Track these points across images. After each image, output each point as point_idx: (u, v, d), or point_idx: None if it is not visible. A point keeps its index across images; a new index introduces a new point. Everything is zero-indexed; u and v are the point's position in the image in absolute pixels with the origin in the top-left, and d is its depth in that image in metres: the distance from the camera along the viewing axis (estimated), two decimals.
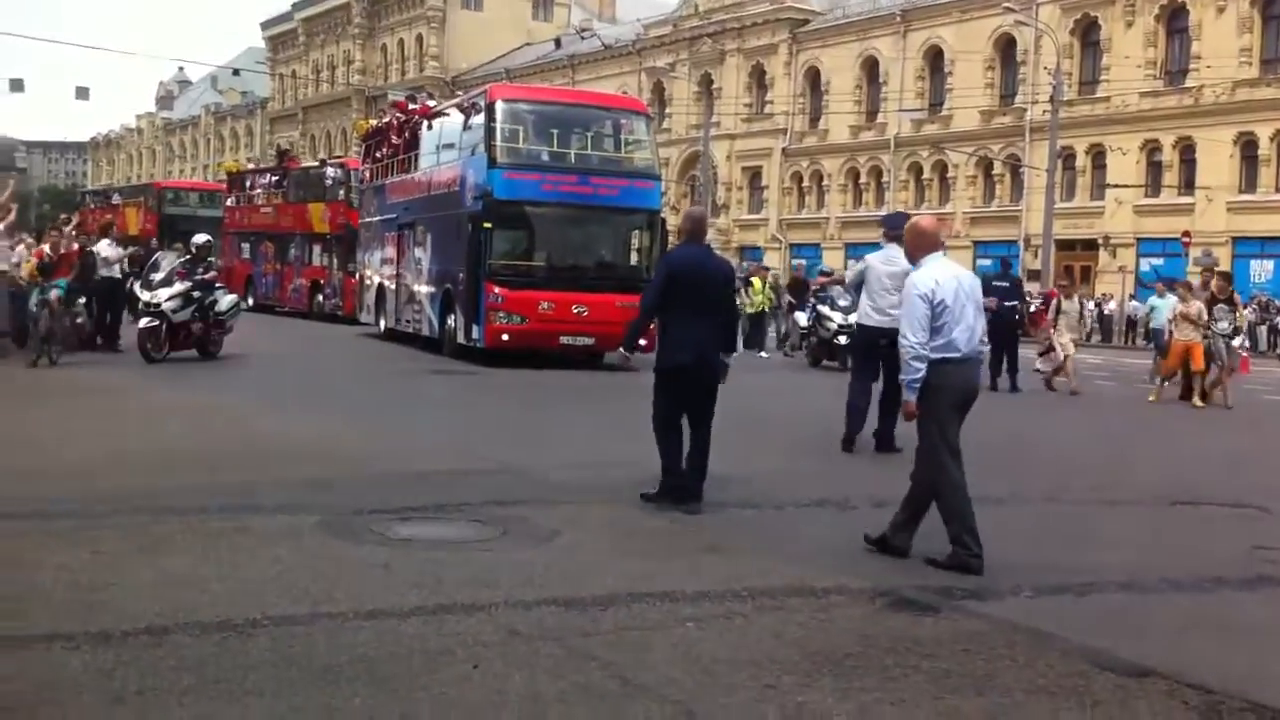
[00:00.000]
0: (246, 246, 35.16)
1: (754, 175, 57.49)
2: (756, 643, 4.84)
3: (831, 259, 47.23)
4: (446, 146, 20.69)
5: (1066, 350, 18.27)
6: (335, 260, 29.64)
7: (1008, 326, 18.00)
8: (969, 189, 48.17)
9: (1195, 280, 19.84)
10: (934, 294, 6.26)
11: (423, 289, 21.13)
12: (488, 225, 17.76)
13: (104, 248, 18.61)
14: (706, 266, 7.91)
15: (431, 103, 25.30)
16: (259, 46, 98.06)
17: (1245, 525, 8.12)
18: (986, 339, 6.95)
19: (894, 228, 10.08)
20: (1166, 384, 17.38)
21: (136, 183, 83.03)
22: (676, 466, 7.69)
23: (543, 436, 11.10)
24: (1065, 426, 14.61)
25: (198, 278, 16.77)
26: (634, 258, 18.87)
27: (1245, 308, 29.41)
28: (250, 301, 32.33)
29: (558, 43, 63.59)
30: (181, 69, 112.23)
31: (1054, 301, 19.32)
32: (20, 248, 17.84)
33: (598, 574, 5.79)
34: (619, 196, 18.48)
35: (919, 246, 6.63)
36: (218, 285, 17.78)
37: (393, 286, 23.18)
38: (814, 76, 54.62)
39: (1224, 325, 17.16)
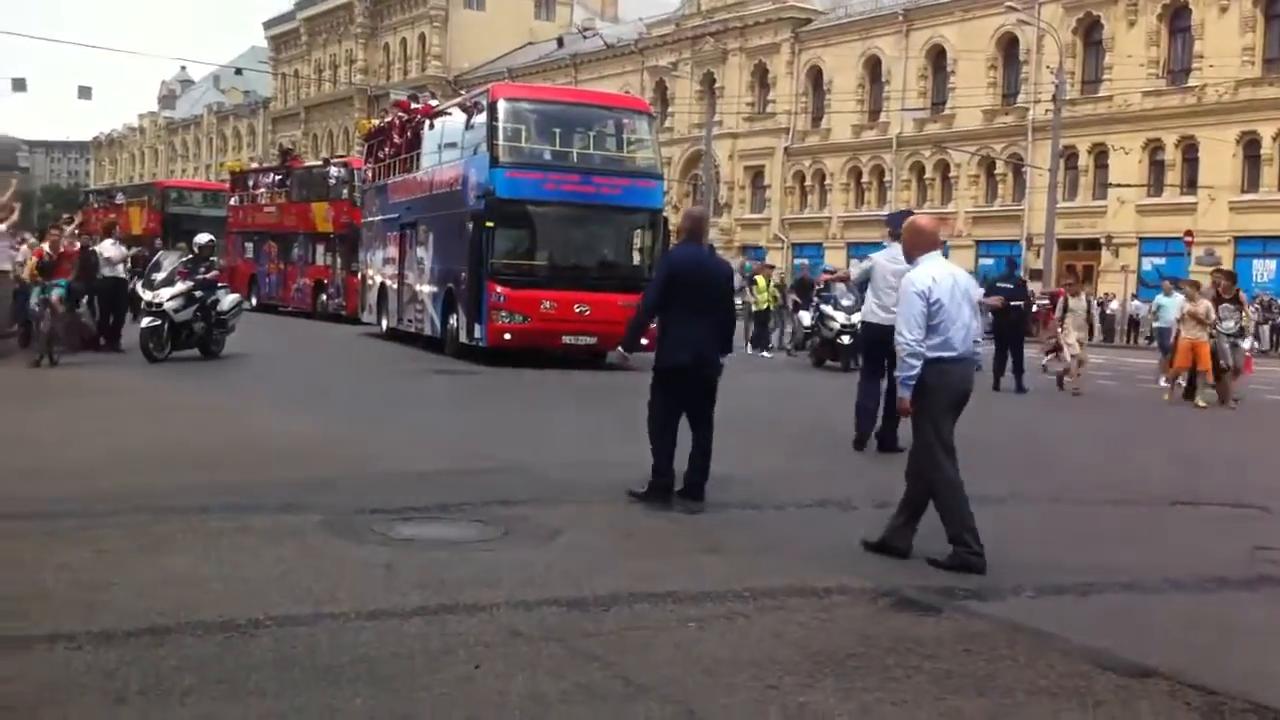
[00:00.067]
0: (250, 246, 35.17)
1: (756, 174, 57.49)
2: (758, 643, 4.84)
3: (834, 258, 47.25)
4: (449, 146, 20.70)
5: (1073, 350, 18.23)
6: (339, 260, 29.64)
7: (1012, 327, 17.99)
8: (971, 188, 48.16)
9: (1205, 282, 19.82)
10: (931, 292, 6.25)
11: (425, 288, 21.13)
12: (490, 224, 17.76)
13: (107, 247, 18.62)
14: (706, 266, 7.95)
15: (434, 102, 25.30)
16: (261, 46, 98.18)
17: (1246, 525, 8.11)
18: (981, 339, 6.93)
19: (899, 226, 10.08)
20: (1182, 382, 17.32)
21: (139, 182, 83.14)
22: (666, 467, 7.69)
23: (544, 436, 11.09)
24: (1067, 426, 14.59)
25: (199, 277, 16.78)
26: (636, 257, 18.88)
27: (1248, 307, 29.31)
28: (254, 301, 32.35)
29: (560, 42, 63.68)
30: (184, 68, 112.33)
31: (1061, 300, 19.33)
32: (24, 247, 17.86)
33: (600, 574, 5.79)
34: (621, 196, 18.48)
35: (917, 245, 6.63)
36: (219, 285, 17.80)
37: (395, 286, 23.19)
38: (816, 76, 54.62)
39: (1229, 324, 17.16)
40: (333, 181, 30.71)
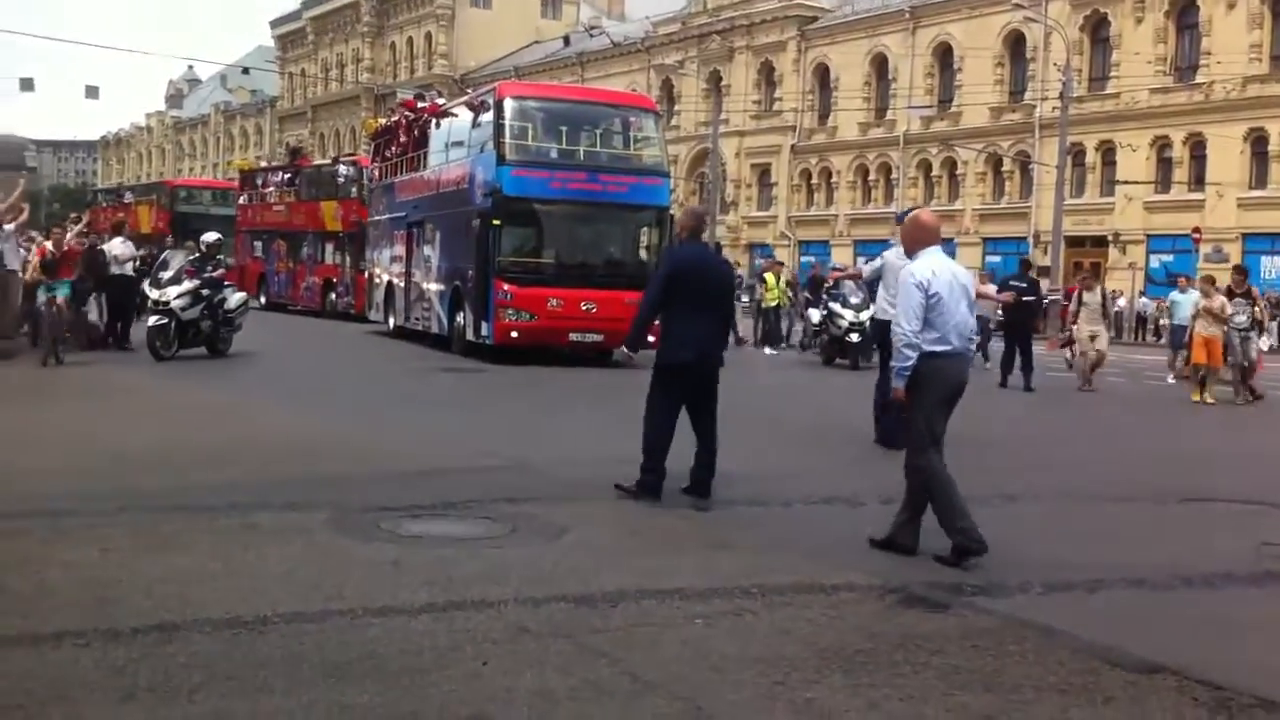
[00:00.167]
0: (259, 245, 35.17)
1: (763, 172, 57.44)
2: (766, 639, 4.84)
3: (840, 256, 47.21)
4: (455, 144, 20.70)
5: (1083, 347, 18.33)
6: (348, 258, 29.63)
7: (1023, 324, 17.98)
8: (978, 186, 48.09)
9: (1226, 279, 19.81)
10: (929, 284, 6.27)
11: (432, 286, 21.14)
12: (497, 222, 17.78)
13: (116, 246, 18.65)
14: (708, 264, 8.02)
15: (440, 101, 25.29)
16: (268, 45, 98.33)
17: (1253, 521, 8.10)
18: (975, 336, 6.94)
19: None
20: (1205, 374, 17.22)
21: (147, 181, 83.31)
22: (658, 462, 7.68)
23: (551, 433, 11.10)
24: (1075, 423, 14.57)
25: (206, 275, 16.81)
26: (643, 255, 18.84)
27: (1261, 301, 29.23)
28: (263, 300, 32.42)
29: (566, 40, 63.75)
30: (191, 68, 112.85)
31: (1075, 294, 19.42)
32: (33, 246, 17.90)
33: (607, 571, 5.79)
34: (628, 193, 18.49)
35: (917, 240, 6.63)
36: (226, 283, 17.82)
37: (402, 284, 23.20)
38: (823, 73, 54.57)
39: (1241, 319, 17.16)
40: (341, 180, 30.73)
